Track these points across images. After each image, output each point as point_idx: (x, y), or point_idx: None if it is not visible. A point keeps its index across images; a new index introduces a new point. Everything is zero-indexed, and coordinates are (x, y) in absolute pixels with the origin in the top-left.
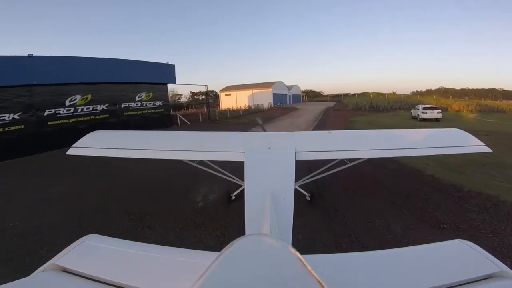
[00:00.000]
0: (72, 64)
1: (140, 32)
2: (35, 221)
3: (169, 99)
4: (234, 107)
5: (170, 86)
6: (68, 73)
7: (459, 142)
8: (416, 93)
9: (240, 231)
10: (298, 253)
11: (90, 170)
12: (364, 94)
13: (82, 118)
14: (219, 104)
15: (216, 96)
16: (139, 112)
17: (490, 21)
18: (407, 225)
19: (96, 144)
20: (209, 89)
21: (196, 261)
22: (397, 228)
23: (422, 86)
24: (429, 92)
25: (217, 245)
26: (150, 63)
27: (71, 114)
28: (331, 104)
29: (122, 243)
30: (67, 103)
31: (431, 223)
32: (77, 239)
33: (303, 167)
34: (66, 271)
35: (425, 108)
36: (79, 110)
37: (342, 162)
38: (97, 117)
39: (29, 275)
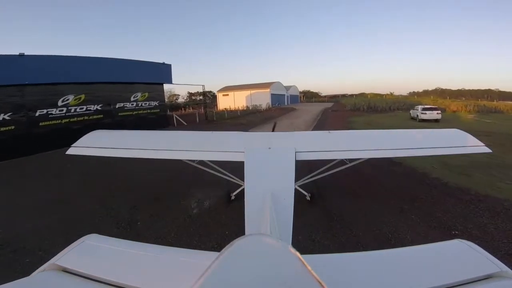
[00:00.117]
0: (65, 64)
1: (137, 32)
2: (9, 230)
3: (167, 100)
4: (232, 107)
5: (167, 86)
6: (60, 72)
7: (459, 142)
8: (413, 94)
9: (240, 235)
10: (298, 253)
11: (81, 171)
12: (362, 95)
13: (75, 119)
14: (216, 105)
15: (214, 97)
16: (134, 113)
17: (487, 21)
18: (417, 232)
19: (95, 144)
20: (207, 89)
21: (196, 261)
22: (407, 235)
23: (419, 86)
24: (426, 93)
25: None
26: (145, 62)
27: (63, 114)
28: (329, 104)
29: (122, 243)
30: (59, 103)
31: (441, 229)
32: (61, 250)
33: (304, 167)
34: (66, 271)
35: (424, 109)
36: (72, 110)
37: (342, 162)
38: (91, 117)
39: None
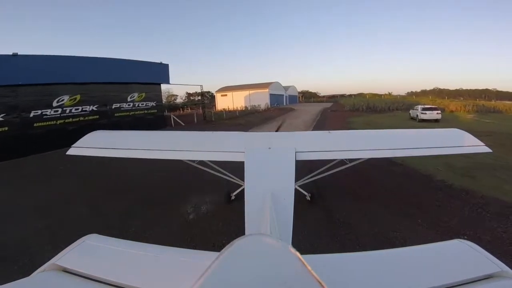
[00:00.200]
0: (60, 64)
1: (136, 32)
2: None
3: (165, 100)
4: (231, 107)
5: (165, 87)
6: (55, 72)
7: (459, 142)
8: (411, 94)
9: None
10: (298, 253)
11: (74, 173)
12: (360, 95)
13: (70, 120)
14: (215, 105)
15: (212, 97)
16: (131, 113)
17: (486, 22)
18: (426, 239)
19: (96, 144)
20: (206, 89)
21: (196, 261)
22: (415, 243)
23: (417, 86)
24: (424, 93)
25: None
26: (142, 62)
27: (58, 115)
28: (328, 105)
29: (122, 243)
30: (54, 103)
31: (450, 235)
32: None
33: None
34: (66, 271)
35: (424, 109)
36: (67, 111)
37: (342, 162)
38: (87, 118)
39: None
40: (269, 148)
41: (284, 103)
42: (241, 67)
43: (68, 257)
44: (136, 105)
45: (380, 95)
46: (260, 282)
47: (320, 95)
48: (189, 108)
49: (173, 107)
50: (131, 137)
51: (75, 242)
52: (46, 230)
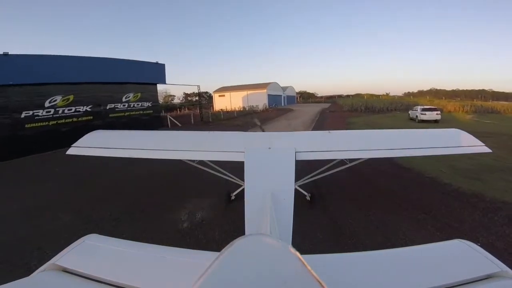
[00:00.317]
0: (52, 63)
1: (134, 32)
2: None
3: (162, 100)
4: (228, 108)
5: (162, 87)
6: (47, 72)
7: (459, 142)
8: (408, 94)
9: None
10: (298, 253)
11: (66, 175)
12: (358, 95)
13: (63, 120)
14: (212, 106)
15: (210, 97)
16: (126, 114)
17: (481, 22)
18: None
19: (96, 144)
20: (203, 90)
21: (196, 261)
22: None
23: (413, 87)
24: (421, 93)
25: None
26: (138, 62)
27: (51, 116)
28: (326, 105)
29: (122, 243)
30: (46, 104)
31: None
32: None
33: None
34: (66, 271)
35: (424, 109)
36: (60, 111)
37: (342, 162)
38: (80, 119)
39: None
40: (269, 148)
41: (282, 104)
42: (239, 68)
43: (68, 257)
44: (132, 106)
45: (377, 96)
46: (260, 282)
47: (318, 95)
48: (186, 109)
49: (170, 107)
50: (131, 137)
51: (75, 242)
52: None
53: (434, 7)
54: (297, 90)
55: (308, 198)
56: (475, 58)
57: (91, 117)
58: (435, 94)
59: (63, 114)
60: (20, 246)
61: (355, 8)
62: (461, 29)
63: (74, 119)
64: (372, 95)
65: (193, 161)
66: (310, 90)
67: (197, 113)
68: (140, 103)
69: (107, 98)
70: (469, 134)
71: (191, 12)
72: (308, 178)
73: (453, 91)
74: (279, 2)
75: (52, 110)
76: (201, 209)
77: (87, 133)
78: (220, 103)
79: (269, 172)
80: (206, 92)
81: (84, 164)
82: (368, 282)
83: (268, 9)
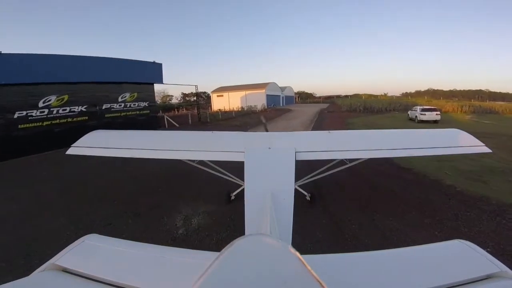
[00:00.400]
0: (46, 63)
1: (133, 32)
2: None
3: (160, 100)
4: (227, 108)
5: (161, 87)
6: (41, 72)
7: (459, 142)
8: (406, 95)
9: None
10: (298, 253)
11: (59, 177)
12: (356, 96)
13: (57, 121)
14: (211, 106)
15: (208, 97)
16: (122, 114)
17: (478, 22)
18: None
19: (96, 144)
20: (202, 90)
21: (196, 261)
22: None
23: (411, 87)
24: (418, 94)
25: None
26: (134, 61)
27: (45, 116)
28: (325, 105)
29: (122, 243)
30: (40, 104)
31: None
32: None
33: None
34: (65, 271)
35: (423, 110)
36: (54, 112)
37: (342, 162)
38: (75, 119)
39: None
40: (269, 148)
41: (281, 104)
42: (238, 68)
43: (67, 257)
44: (128, 106)
45: (375, 96)
46: (260, 282)
47: (316, 95)
48: (184, 109)
49: (168, 107)
50: (131, 136)
51: (74, 242)
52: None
53: (433, 7)
54: (295, 90)
55: (308, 198)
56: (472, 58)
57: (86, 118)
58: (433, 94)
59: (57, 115)
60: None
61: (355, 8)
62: (459, 29)
63: (69, 120)
64: (370, 95)
65: (193, 161)
66: (308, 90)
67: (195, 113)
68: (136, 103)
69: (103, 98)
70: (469, 134)
71: (190, 12)
72: (308, 178)
73: (450, 91)
74: (279, 2)
75: (46, 110)
76: (197, 214)
77: (82, 133)
78: (218, 103)
79: (269, 172)
80: (205, 92)
81: (82, 165)
82: (368, 282)
83: (267, 9)
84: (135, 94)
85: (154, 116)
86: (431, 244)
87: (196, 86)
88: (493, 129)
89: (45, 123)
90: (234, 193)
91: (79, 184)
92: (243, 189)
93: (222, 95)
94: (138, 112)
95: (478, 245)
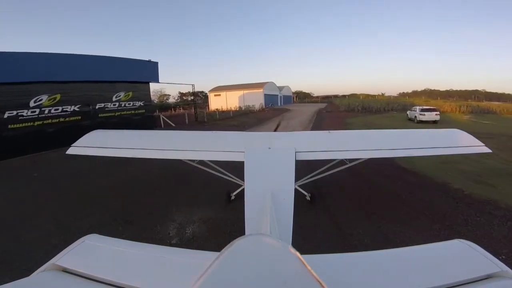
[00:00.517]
0: (37, 61)
1: (132, 32)
2: None
3: (157, 100)
4: (224, 108)
5: (158, 86)
6: (32, 70)
7: (459, 142)
8: (403, 95)
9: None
10: (298, 253)
11: (51, 180)
12: (354, 96)
13: (49, 121)
14: (208, 105)
15: (206, 97)
16: (116, 114)
17: (475, 23)
18: None
19: (95, 144)
20: (199, 89)
21: (196, 261)
22: None
23: (408, 87)
24: (415, 94)
25: None
26: (129, 60)
27: (36, 116)
28: (322, 105)
29: (122, 243)
30: (31, 104)
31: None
32: None
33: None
34: (66, 271)
35: (423, 110)
36: (46, 111)
37: (342, 162)
38: (67, 119)
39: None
40: (269, 148)
41: (279, 104)
42: (237, 67)
43: (68, 257)
44: (122, 105)
45: (373, 96)
46: (260, 282)
47: (314, 95)
48: (181, 108)
49: (165, 107)
50: (130, 137)
51: (75, 242)
52: None
53: (433, 7)
54: (293, 90)
55: (308, 198)
56: (469, 59)
57: (79, 117)
58: (429, 94)
59: (49, 114)
60: None
61: (353, 9)
62: (457, 30)
63: (61, 120)
64: (367, 95)
65: (193, 161)
66: (306, 90)
67: (192, 112)
68: (131, 103)
69: (97, 97)
70: (469, 134)
71: (190, 12)
72: (308, 178)
73: (447, 91)
74: (279, 2)
75: (38, 110)
76: (192, 222)
77: (75, 134)
78: (216, 103)
79: (269, 172)
80: (202, 92)
81: (79, 165)
82: (368, 282)
83: (265, 9)
84: (130, 93)
85: (150, 116)
86: (431, 244)
87: (193, 85)
88: (493, 129)
89: (36, 123)
90: (234, 193)
91: (69, 185)
92: (243, 189)
93: (219, 95)
94: (133, 112)
95: (492, 253)
